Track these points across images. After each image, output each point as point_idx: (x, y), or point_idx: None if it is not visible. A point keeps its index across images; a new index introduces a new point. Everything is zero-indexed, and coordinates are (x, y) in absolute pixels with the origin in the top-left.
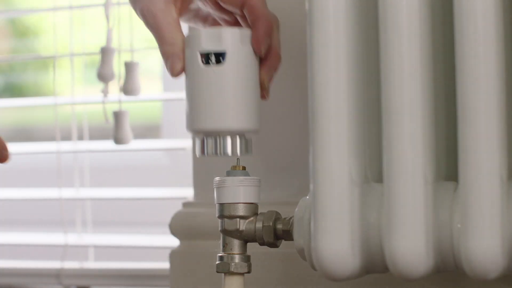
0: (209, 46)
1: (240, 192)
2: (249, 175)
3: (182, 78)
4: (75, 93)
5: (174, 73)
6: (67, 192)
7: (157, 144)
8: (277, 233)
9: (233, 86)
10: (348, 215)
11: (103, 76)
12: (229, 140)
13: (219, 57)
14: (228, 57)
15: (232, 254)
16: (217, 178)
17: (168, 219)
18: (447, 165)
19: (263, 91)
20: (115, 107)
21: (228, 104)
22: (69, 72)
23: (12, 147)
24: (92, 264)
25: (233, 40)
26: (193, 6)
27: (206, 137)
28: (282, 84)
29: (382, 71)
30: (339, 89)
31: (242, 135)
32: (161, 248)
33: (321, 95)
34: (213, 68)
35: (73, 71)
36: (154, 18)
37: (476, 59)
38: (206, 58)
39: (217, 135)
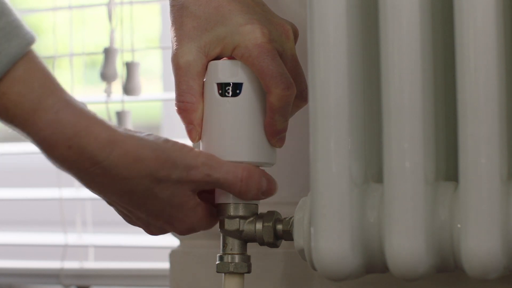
0: (226, 77)
1: None
2: None
3: None
4: (75, 93)
5: (191, 141)
6: (67, 192)
7: None
8: (277, 233)
9: (248, 117)
10: (348, 215)
11: (107, 76)
12: None
13: (236, 88)
14: (244, 89)
15: (232, 254)
16: None
17: None
18: (447, 165)
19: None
20: (116, 107)
21: (243, 136)
22: (69, 72)
23: (13, 147)
24: (92, 264)
25: (250, 72)
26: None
27: None
28: None
29: (382, 71)
30: (339, 89)
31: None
32: (161, 248)
33: (321, 95)
34: (229, 99)
35: (73, 71)
36: (176, 70)
37: (476, 58)
38: (222, 89)
39: None
